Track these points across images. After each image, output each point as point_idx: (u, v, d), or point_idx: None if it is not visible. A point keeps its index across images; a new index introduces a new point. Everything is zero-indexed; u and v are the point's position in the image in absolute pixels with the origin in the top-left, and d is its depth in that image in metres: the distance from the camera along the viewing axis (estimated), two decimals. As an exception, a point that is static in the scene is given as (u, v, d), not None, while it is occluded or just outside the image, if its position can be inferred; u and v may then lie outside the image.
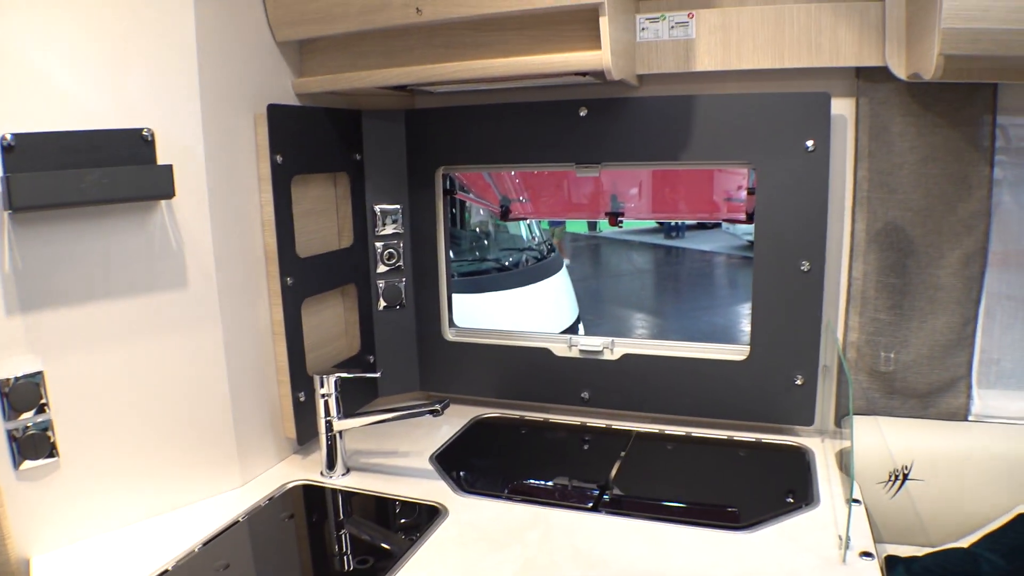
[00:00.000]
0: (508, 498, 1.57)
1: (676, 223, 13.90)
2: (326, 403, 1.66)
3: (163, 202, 1.44)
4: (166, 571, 1.33)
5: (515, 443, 1.92)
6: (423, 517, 1.51)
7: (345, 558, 1.41)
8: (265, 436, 1.71)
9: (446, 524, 1.47)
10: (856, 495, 1.51)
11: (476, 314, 4.39)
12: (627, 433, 1.89)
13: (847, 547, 1.30)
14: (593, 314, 8.32)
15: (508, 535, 1.42)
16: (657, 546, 1.37)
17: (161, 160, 1.41)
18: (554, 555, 1.35)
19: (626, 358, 1.90)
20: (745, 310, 8.55)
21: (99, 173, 1.32)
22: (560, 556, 1.35)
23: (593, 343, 1.94)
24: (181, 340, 1.50)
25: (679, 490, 1.63)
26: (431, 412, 1.61)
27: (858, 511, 1.45)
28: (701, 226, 14.07)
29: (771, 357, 1.76)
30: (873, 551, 1.31)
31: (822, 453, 1.71)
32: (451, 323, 2.09)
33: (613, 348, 1.93)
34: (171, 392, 1.50)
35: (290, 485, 1.65)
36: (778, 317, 1.74)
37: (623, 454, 1.78)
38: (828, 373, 1.80)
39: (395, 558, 1.35)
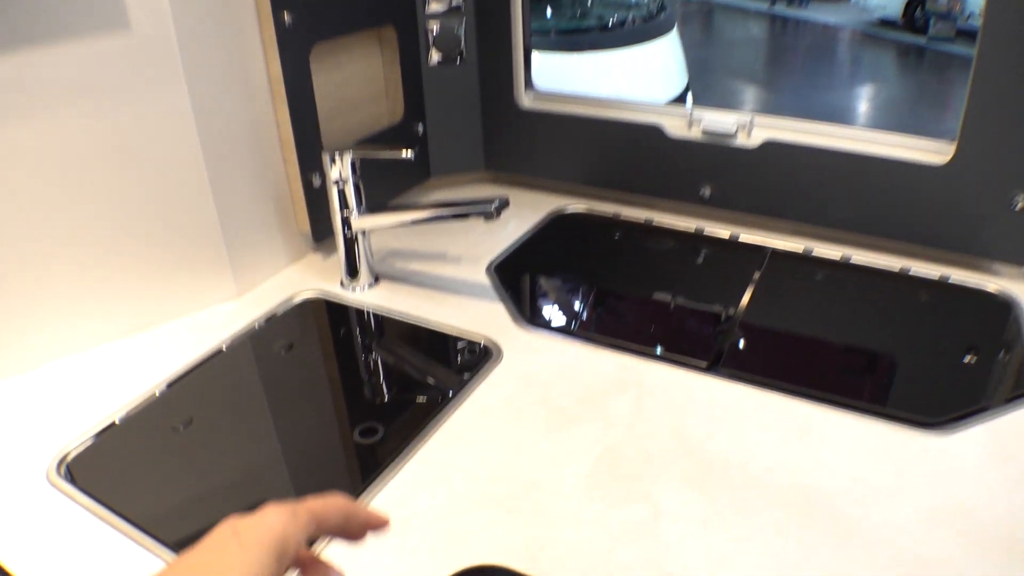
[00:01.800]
0: (589, 339, 1.12)
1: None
2: (341, 192, 1.19)
3: None
4: (112, 424, 0.96)
5: (605, 251, 1.42)
6: (467, 360, 1.08)
7: (345, 425, 0.99)
8: (270, 231, 1.28)
9: (495, 375, 1.03)
10: None
11: (571, 77, 3.82)
12: (759, 249, 1.38)
13: None
14: (702, 84, 7.55)
15: (585, 402, 0.98)
16: (804, 442, 0.90)
17: None
18: (648, 442, 0.90)
19: (768, 146, 1.35)
20: (866, 93, 7.67)
21: None
22: (656, 445, 0.90)
23: (724, 122, 1.38)
24: (126, 106, 1.02)
25: (837, 347, 1.14)
26: (483, 214, 1.12)
27: None
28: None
29: (984, 163, 1.18)
30: None
31: (1038, 305, 1.18)
32: (528, 84, 1.55)
33: (751, 130, 1.37)
34: (122, 176, 1.05)
35: (298, 299, 1.24)
36: (1008, 107, 1.13)
37: (756, 276, 1.29)
38: None
39: (415, 430, 0.93)
